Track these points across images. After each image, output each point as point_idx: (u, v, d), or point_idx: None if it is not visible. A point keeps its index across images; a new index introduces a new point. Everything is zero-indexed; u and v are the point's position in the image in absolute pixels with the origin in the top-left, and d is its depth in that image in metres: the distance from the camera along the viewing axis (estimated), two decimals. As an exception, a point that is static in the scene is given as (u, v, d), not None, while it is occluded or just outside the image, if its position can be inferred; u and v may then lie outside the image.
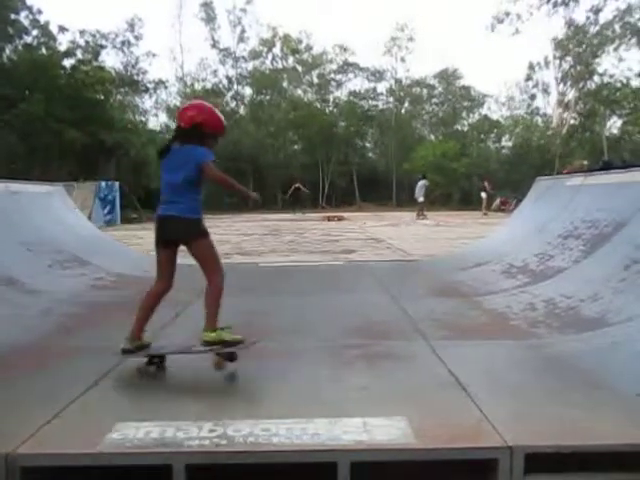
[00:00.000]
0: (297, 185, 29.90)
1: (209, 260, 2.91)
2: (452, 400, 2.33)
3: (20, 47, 25.53)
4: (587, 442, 1.91)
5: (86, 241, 6.82)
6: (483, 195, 24.71)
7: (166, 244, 2.93)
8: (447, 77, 41.44)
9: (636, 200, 4.89)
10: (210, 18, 40.27)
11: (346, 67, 41.34)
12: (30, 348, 3.22)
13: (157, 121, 40.13)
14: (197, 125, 2.84)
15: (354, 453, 1.87)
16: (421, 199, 21.69)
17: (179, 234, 2.87)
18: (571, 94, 35.80)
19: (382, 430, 2.00)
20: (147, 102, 39.08)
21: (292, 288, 5.47)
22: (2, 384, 2.58)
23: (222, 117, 3.03)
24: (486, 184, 24.95)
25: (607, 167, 7.63)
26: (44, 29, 26.39)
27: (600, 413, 2.15)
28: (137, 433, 1.99)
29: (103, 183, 21.04)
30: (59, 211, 7.11)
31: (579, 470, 1.87)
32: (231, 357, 2.78)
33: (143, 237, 13.43)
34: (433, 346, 3.14)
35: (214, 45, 40.83)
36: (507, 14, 34.32)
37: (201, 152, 2.82)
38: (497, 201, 27.19)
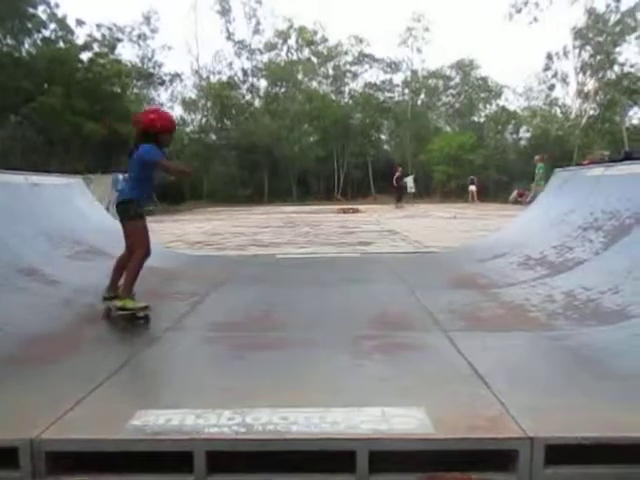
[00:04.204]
0: (399, 173, 25.43)
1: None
2: (471, 391, 2.32)
3: (38, 41, 25.76)
4: (609, 434, 1.89)
5: (105, 233, 6.88)
6: (473, 188, 29.34)
7: None
8: (464, 68, 40.99)
9: (659, 191, 4.81)
10: (225, 10, 40.27)
11: (361, 58, 41.10)
12: (52, 337, 3.27)
13: (173, 114, 40.33)
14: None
15: (373, 442, 1.88)
16: (413, 190, 27.18)
17: None
18: (591, 84, 35.18)
19: (401, 420, 2.00)
20: (163, 95, 39.35)
21: (309, 279, 5.47)
22: (26, 372, 2.63)
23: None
24: (474, 178, 29.96)
25: (628, 157, 7.49)
26: (62, 23, 26.58)
27: (622, 404, 2.12)
28: (158, 420, 2.01)
29: (120, 175, 21.22)
30: (78, 203, 7.18)
31: (601, 462, 1.85)
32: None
33: (160, 229, 13.56)
34: (451, 337, 3.13)
35: (229, 37, 40.87)
36: (525, 3, 33.82)
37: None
38: (514, 193, 27.00)
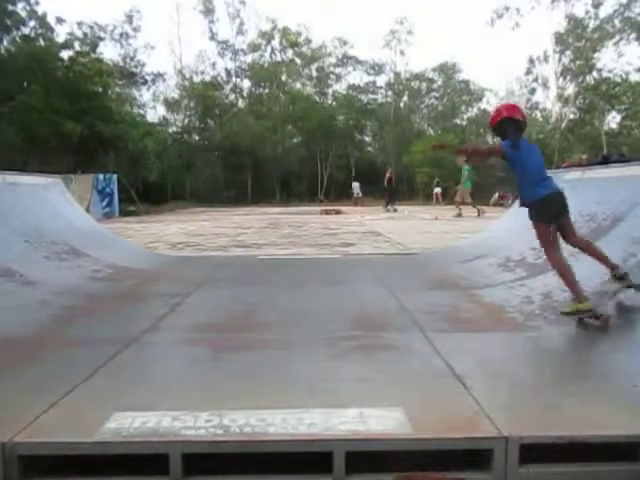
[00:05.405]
0: (389, 175, 24.31)
1: None
2: (448, 391, 2.34)
3: (18, 39, 25.32)
4: (583, 432, 1.92)
5: (84, 233, 6.81)
6: (438, 190, 30.42)
7: None
8: (446, 71, 41.41)
9: (634, 194, 4.90)
10: (208, 10, 40.14)
11: (345, 60, 41.30)
12: (28, 339, 3.22)
13: (155, 114, 40.05)
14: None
15: (350, 443, 1.88)
16: (360, 195, 30.59)
17: None
18: (570, 89, 35.77)
19: (378, 420, 2.00)
20: (145, 95, 39.06)
21: (290, 280, 5.47)
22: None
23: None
24: (439, 181, 31.37)
25: (606, 161, 7.60)
26: (42, 20, 26.16)
27: (596, 403, 2.16)
28: (134, 422, 1.99)
29: (101, 176, 21.00)
30: (57, 203, 7.09)
31: (575, 460, 1.87)
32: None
33: (141, 230, 13.43)
34: (429, 337, 3.15)
35: (212, 37, 40.76)
36: (507, 8, 34.27)
37: None
38: (495, 195, 27.24)
